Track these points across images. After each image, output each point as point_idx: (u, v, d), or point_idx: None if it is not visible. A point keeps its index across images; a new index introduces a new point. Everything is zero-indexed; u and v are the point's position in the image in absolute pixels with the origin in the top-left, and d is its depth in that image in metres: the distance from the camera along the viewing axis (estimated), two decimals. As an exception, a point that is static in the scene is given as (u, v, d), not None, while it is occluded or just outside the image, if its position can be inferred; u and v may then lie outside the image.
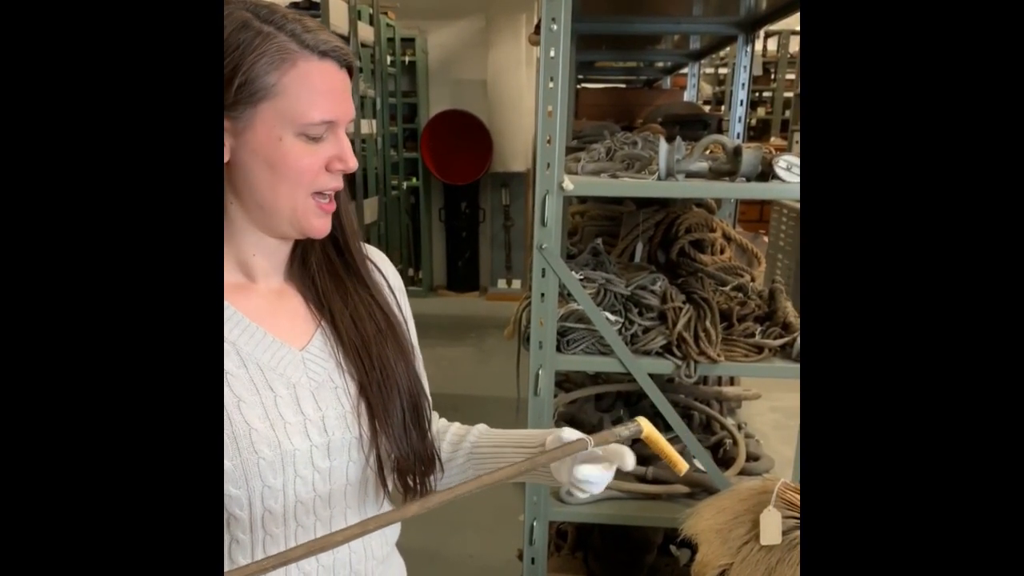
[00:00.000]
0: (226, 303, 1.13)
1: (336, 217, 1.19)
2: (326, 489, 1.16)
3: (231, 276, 1.17)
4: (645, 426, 1.15)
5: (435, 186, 8.84)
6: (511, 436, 1.31)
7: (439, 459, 1.29)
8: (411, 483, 1.23)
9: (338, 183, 1.13)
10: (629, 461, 1.12)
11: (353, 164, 1.12)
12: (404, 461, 1.21)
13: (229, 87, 1.04)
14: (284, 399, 1.13)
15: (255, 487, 1.08)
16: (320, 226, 1.14)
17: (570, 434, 1.17)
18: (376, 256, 1.33)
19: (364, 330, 1.21)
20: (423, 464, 1.24)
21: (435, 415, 1.39)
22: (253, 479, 1.08)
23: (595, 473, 1.11)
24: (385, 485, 1.22)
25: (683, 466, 1.18)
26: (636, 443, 1.16)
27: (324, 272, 1.23)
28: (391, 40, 7.73)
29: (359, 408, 1.18)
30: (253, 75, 1.04)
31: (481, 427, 1.37)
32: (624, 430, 1.13)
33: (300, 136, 1.07)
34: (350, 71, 1.12)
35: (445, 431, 1.37)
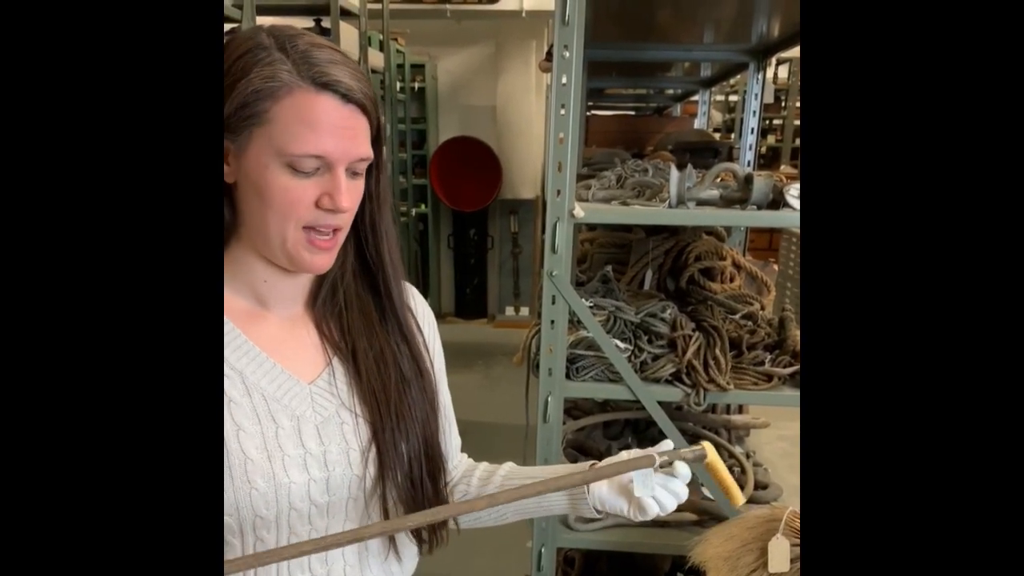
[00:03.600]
0: (237, 331, 1.12)
1: (374, 254, 1.19)
2: (323, 524, 1.14)
3: (244, 303, 1.15)
4: (710, 452, 1.14)
5: (444, 213, 8.84)
6: (543, 470, 1.30)
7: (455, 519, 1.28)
8: (423, 535, 1.23)
9: (335, 221, 1.08)
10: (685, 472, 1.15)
11: (344, 204, 1.06)
12: (408, 506, 1.19)
13: (228, 109, 1.03)
14: (286, 431, 1.11)
15: (246, 516, 1.07)
16: (313, 262, 1.10)
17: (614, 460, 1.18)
18: (408, 292, 1.29)
19: (386, 374, 1.19)
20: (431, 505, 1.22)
21: (463, 456, 1.39)
22: (245, 509, 1.06)
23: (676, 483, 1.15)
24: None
25: (740, 499, 1.17)
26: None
27: (354, 308, 1.21)
28: (400, 66, 7.74)
29: (368, 453, 1.16)
30: (249, 100, 1.02)
31: (510, 464, 1.36)
32: (689, 452, 1.13)
33: (287, 168, 1.03)
34: (364, 109, 1.07)
35: (473, 470, 1.37)
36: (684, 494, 1.16)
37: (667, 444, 1.17)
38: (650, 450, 1.16)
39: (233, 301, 1.14)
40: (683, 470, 1.15)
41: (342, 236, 1.12)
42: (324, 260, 1.11)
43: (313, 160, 1.03)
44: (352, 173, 1.08)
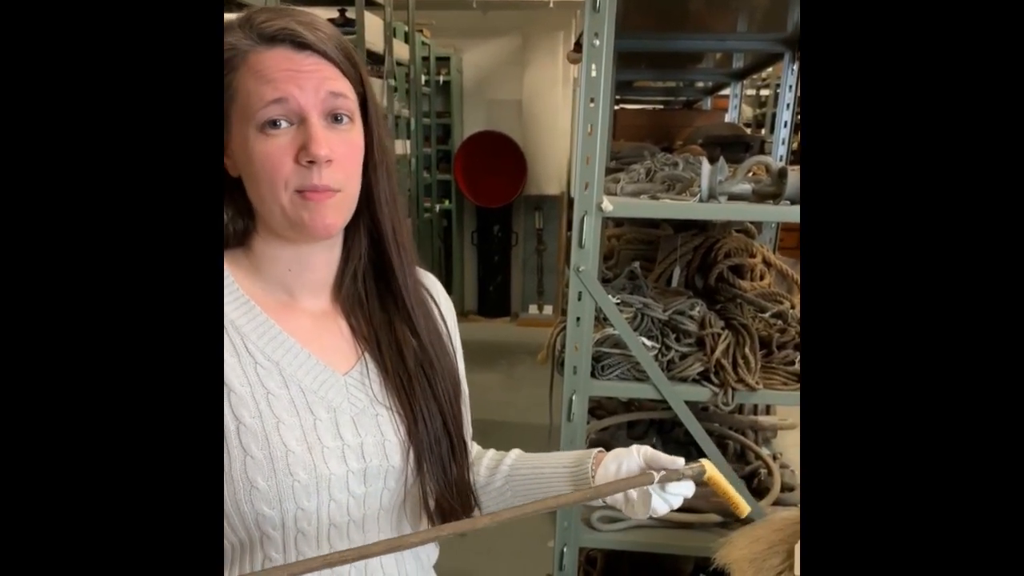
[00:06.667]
0: (272, 322, 1.11)
1: (379, 242, 1.17)
2: (360, 514, 1.13)
3: (276, 295, 1.14)
4: (708, 468, 1.15)
5: (468, 209, 8.81)
6: (548, 458, 1.31)
7: (475, 496, 1.28)
8: (448, 521, 1.21)
9: (318, 179, 1.02)
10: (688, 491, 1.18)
11: (316, 150, 1.01)
12: (442, 496, 1.19)
13: None
14: (324, 423, 1.10)
15: (288, 508, 1.06)
16: (314, 221, 1.05)
17: (624, 457, 1.20)
18: (430, 284, 1.29)
19: (409, 364, 1.19)
20: (461, 500, 1.22)
21: (473, 443, 1.38)
22: (287, 501, 1.06)
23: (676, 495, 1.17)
24: (430, 514, 1.20)
25: (745, 508, 1.20)
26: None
27: (375, 299, 1.20)
28: (426, 59, 7.71)
29: (404, 445, 1.16)
30: None
31: (517, 451, 1.37)
32: (688, 470, 1.14)
33: (261, 132, 1.01)
34: (327, 57, 1.04)
35: (481, 457, 1.37)
36: (677, 504, 1.18)
37: (678, 462, 1.17)
38: (649, 452, 1.19)
39: (265, 295, 1.14)
40: (682, 489, 1.17)
41: (343, 198, 1.07)
42: (325, 217, 1.05)
43: (277, 108, 1.01)
44: (333, 118, 1.05)
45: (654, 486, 1.14)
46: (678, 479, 1.14)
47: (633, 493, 1.17)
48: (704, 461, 1.15)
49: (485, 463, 1.36)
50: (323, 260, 1.16)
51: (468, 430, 1.33)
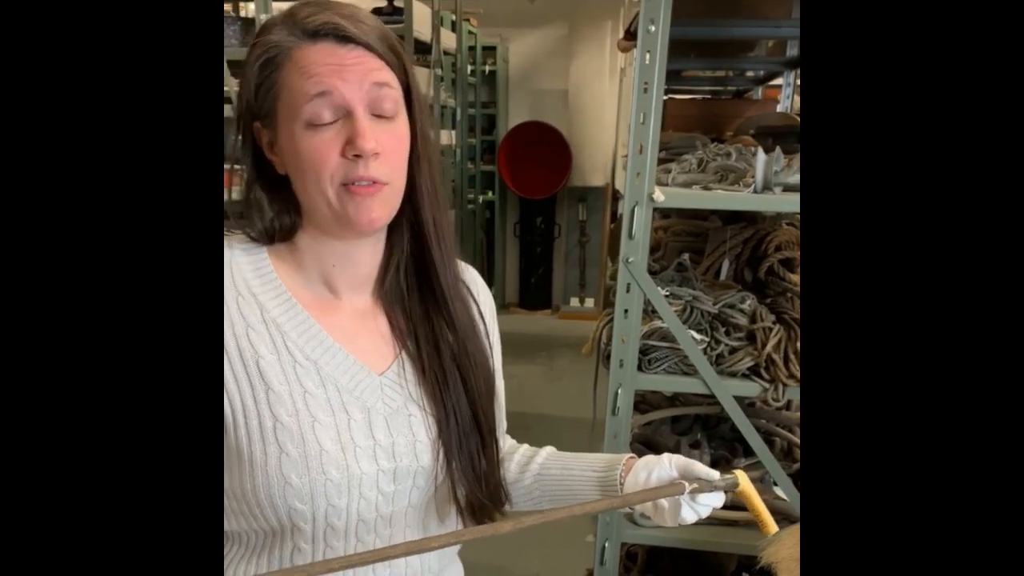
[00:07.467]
0: (312, 320, 1.13)
1: (420, 236, 1.18)
2: (388, 510, 1.16)
3: (317, 291, 1.17)
4: (742, 480, 1.15)
5: (511, 200, 8.79)
6: (578, 460, 1.32)
7: (506, 492, 1.29)
8: (478, 516, 1.24)
9: (366, 171, 1.04)
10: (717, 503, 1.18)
11: (363, 143, 1.02)
12: (472, 495, 1.22)
13: (256, 99, 1.07)
14: (358, 423, 1.12)
15: (320, 505, 1.09)
16: (359, 214, 1.06)
17: (655, 466, 1.19)
18: (470, 278, 1.30)
19: (444, 359, 1.21)
20: (491, 495, 1.25)
21: (506, 436, 1.39)
22: (319, 498, 1.08)
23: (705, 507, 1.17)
24: (460, 509, 1.22)
25: (772, 528, 1.19)
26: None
27: (415, 293, 1.22)
28: (472, 48, 7.70)
29: (435, 445, 1.18)
30: (262, 78, 1.06)
31: (549, 449, 1.38)
32: (721, 482, 1.14)
33: (308, 127, 1.03)
34: (371, 49, 1.05)
35: (513, 452, 1.38)
36: (706, 514, 1.17)
37: (712, 474, 1.17)
38: (682, 461, 1.19)
39: (306, 291, 1.16)
40: (712, 500, 1.17)
41: (390, 192, 1.09)
42: (371, 211, 1.07)
43: (322, 102, 1.03)
44: (378, 116, 1.06)
45: (684, 496, 1.14)
46: (709, 490, 1.14)
47: (663, 502, 1.16)
48: (739, 473, 1.16)
49: (516, 459, 1.36)
50: (368, 255, 1.17)
51: (502, 425, 1.33)
